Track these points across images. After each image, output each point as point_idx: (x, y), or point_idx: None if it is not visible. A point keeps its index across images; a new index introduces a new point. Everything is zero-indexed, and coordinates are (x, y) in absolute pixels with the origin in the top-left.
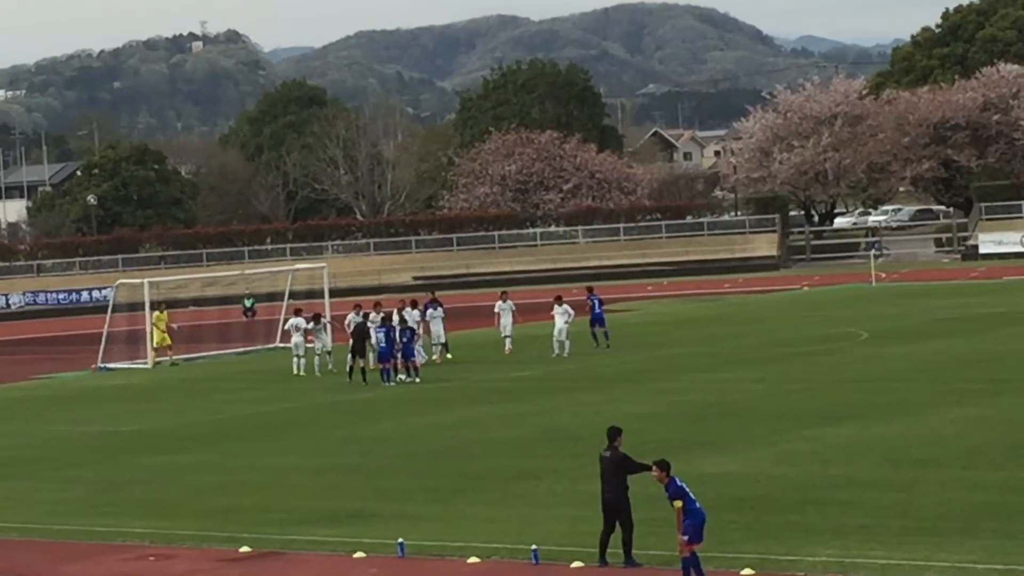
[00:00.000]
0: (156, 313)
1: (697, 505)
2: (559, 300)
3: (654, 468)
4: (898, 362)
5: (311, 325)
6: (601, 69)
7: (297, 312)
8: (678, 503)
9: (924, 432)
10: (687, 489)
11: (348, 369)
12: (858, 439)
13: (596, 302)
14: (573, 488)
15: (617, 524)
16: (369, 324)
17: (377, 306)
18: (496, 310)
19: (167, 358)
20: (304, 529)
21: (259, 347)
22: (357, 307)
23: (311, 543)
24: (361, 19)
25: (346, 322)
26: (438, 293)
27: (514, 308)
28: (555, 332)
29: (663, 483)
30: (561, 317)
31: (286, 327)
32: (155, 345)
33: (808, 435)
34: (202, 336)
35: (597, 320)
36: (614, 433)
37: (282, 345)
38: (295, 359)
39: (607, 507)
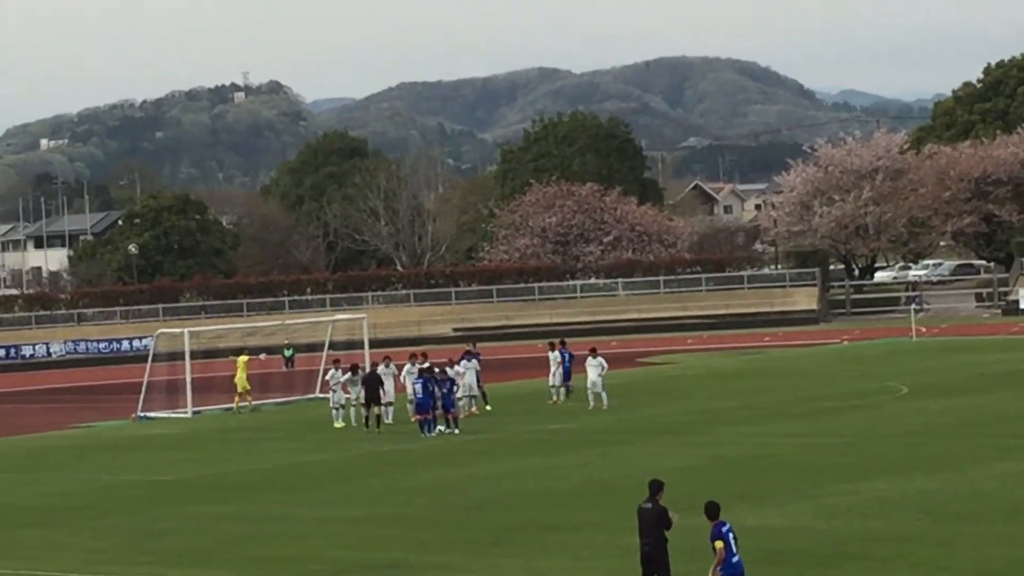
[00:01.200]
0: (241, 358)
1: (735, 559)
2: (593, 352)
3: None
4: (938, 416)
5: (346, 376)
6: (642, 122)
7: (336, 363)
8: (719, 543)
9: (964, 487)
10: (732, 539)
11: (364, 419)
12: (897, 493)
13: (566, 356)
14: (611, 541)
15: None
16: (381, 374)
17: (387, 359)
18: (586, 365)
19: (247, 403)
20: None
21: (299, 397)
22: (355, 367)
23: None
24: (403, 71)
25: (327, 376)
26: (479, 345)
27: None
28: (589, 384)
29: (712, 523)
30: (595, 370)
31: (326, 378)
32: (238, 390)
33: (847, 489)
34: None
35: (565, 374)
36: (656, 487)
37: (322, 395)
38: (334, 410)
39: (646, 559)
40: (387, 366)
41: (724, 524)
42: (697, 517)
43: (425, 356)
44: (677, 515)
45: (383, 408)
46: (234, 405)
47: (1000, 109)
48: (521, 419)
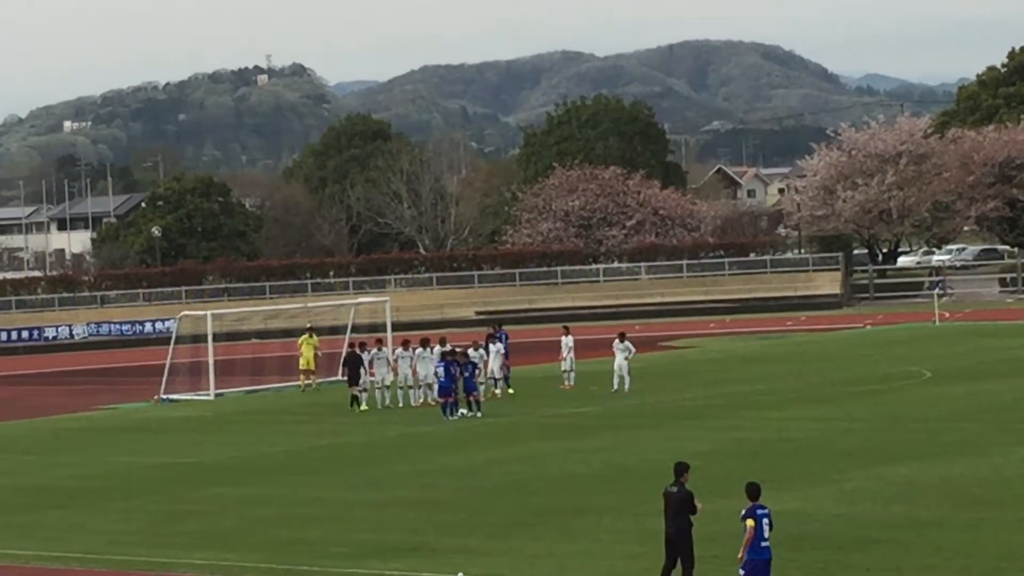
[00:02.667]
0: (305, 336)
1: (764, 543)
2: (622, 336)
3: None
4: (961, 401)
5: (374, 352)
6: (665, 106)
7: (354, 346)
8: (750, 522)
9: (987, 472)
10: (766, 524)
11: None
12: (920, 478)
13: (504, 340)
14: (635, 525)
15: (679, 560)
16: (371, 357)
17: (379, 342)
18: (614, 348)
19: (311, 382)
20: (364, 563)
21: (321, 380)
22: (361, 344)
23: None
24: (426, 54)
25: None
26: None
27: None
28: (615, 367)
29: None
30: (621, 353)
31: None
32: (302, 367)
33: (870, 474)
34: (264, 368)
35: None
36: (682, 468)
37: (343, 379)
38: (377, 392)
39: (670, 542)
40: (380, 350)
41: (762, 507)
42: (720, 501)
43: (443, 341)
44: (701, 504)
45: (379, 391)
46: (301, 383)
47: None
48: (543, 403)
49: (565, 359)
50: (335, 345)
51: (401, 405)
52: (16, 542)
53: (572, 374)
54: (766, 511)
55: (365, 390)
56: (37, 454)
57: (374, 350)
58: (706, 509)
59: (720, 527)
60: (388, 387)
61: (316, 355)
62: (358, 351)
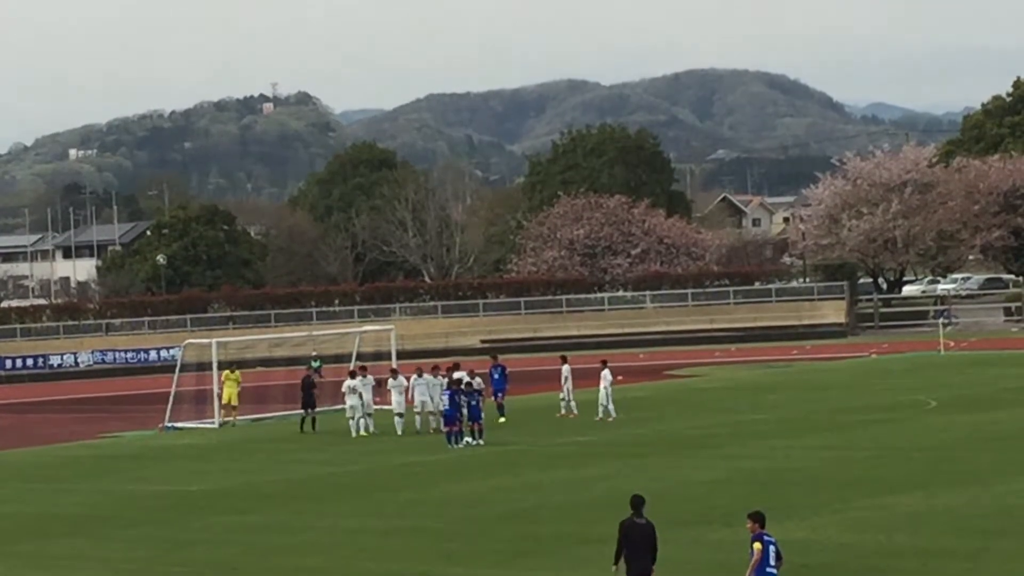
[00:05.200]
0: (227, 372)
1: (769, 570)
2: (604, 364)
3: (747, 521)
4: (966, 431)
5: (392, 381)
6: (670, 134)
7: (352, 374)
8: (757, 544)
9: (991, 502)
10: (771, 552)
11: (300, 420)
12: (924, 508)
13: (498, 371)
14: None
15: None
16: (357, 386)
17: (363, 369)
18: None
19: (230, 419)
20: None
21: (325, 408)
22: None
23: None
24: (431, 82)
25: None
26: (503, 358)
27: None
28: (600, 397)
29: (752, 533)
30: (604, 381)
31: (343, 389)
32: (224, 402)
33: (874, 503)
34: (268, 397)
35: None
36: (640, 502)
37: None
38: (351, 421)
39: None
40: (364, 377)
41: (768, 536)
42: (725, 530)
43: (457, 365)
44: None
45: (364, 418)
46: (218, 420)
47: None
48: (547, 431)
49: (563, 388)
50: (340, 373)
51: (400, 433)
52: (21, 571)
53: (573, 403)
54: (773, 540)
55: (359, 417)
56: (41, 482)
57: (359, 378)
58: (711, 536)
59: (724, 556)
60: (371, 415)
61: (239, 391)
62: (350, 378)
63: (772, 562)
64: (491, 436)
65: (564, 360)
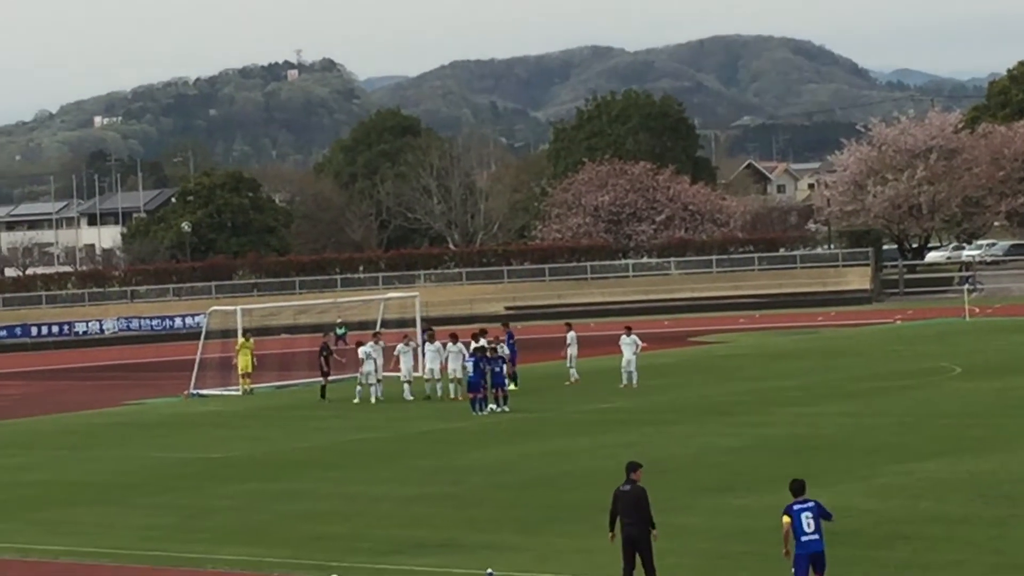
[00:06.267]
0: (242, 340)
1: (805, 538)
2: (628, 331)
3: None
4: (991, 397)
5: (425, 344)
6: (695, 101)
7: (405, 339)
8: (785, 519)
9: (1016, 467)
10: (805, 518)
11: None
12: (949, 474)
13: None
14: (662, 520)
15: (639, 561)
16: (371, 351)
17: (376, 336)
18: (620, 344)
19: (247, 386)
20: (393, 558)
21: (349, 375)
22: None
23: (400, 572)
24: (456, 49)
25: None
26: (526, 324)
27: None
28: (623, 363)
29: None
30: (629, 348)
31: (360, 355)
32: (242, 371)
33: (899, 469)
34: (293, 364)
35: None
36: (634, 466)
37: (387, 373)
38: (365, 387)
39: (630, 540)
40: (376, 343)
41: (800, 503)
42: (750, 496)
43: (484, 332)
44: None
45: (375, 385)
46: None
47: None
48: (571, 398)
49: (568, 355)
50: (364, 340)
51: (411, 399)
52: (47, 538)
53: (573, 370)
54: (806, 505)
55: (372, 384)
56: (67, 449)
57: (371, 343)
58: (733, 503)
59: (748, 522)
60: (380, 381)
61: (253, 359)
62: (367, 347)
63: (808, 529)
64: (515, 403)
65: (569, 327)
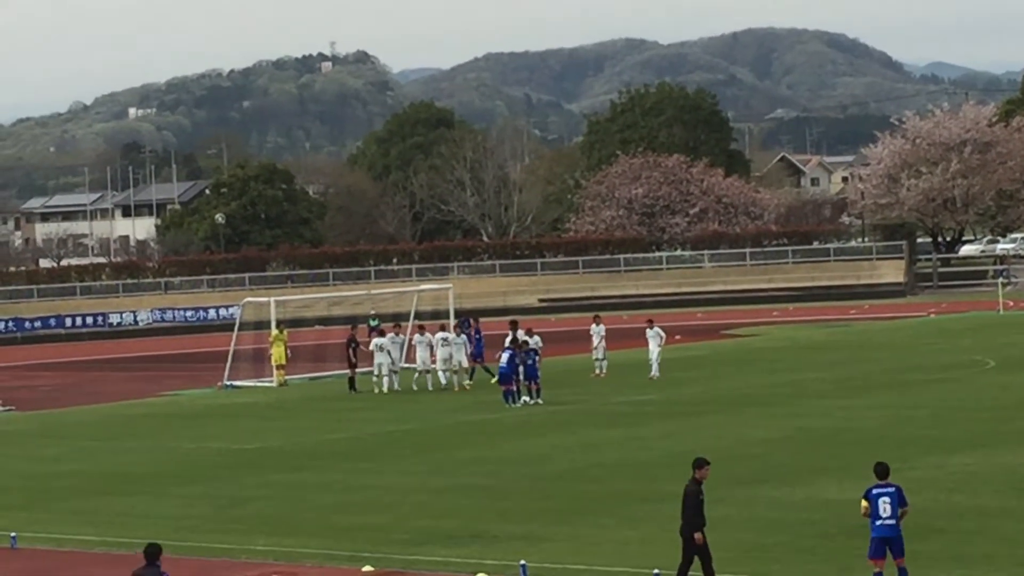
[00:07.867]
0: (275, 332)
1: (879, 522)
2: (650, 323)
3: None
4: None
5: (452, 335)
6: (729, 93)
7: (381, 333)
8: (863, 503)
9: None
10: (883, 502)
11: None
12: (983, 467)
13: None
14: None
15: (696, 558)
16: (385, 343)
17: (397, 327)
18: (647, 336)
19: (282, 378)
20: (426, 549)
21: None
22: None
23: (433, 563)
24: (489, 41)
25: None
26: (560, 317)
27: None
28: (650, 355)
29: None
30: (654, 340)
31: (370, 347)
32: (275, 363)
33: (932, 463)
34: (327, 355)
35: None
36: (701, 463)
37: (406, 365)
38: (374, 379)
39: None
40: (396, 335)
41: (880, 486)
42: (784, 488)
43: (515, 324)
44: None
45: (390, 376)
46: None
47: None
48: (603, 390)
49: (596, 348)
50: (398, 332)
51: (417, 389)
52: (81, 528)
53: (604, 363)
54: (886, 490)
55: (386, 375)
56: (101, 440)
57: (390, 335)
58: (756, 494)
59: (781, 514)
60: (396, 373)
61: (287, 351)
62: (385, 339)
63: (884, 514)
64: (547, 396)
65: (597, 320)
